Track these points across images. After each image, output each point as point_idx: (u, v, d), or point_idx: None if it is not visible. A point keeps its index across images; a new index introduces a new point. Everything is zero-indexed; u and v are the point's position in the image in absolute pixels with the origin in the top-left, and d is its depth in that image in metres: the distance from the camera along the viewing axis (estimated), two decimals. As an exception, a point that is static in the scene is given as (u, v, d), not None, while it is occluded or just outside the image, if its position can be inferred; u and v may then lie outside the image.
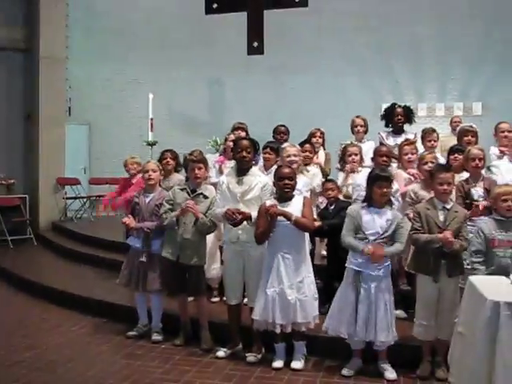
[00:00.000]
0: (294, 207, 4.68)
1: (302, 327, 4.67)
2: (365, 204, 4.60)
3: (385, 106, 10.50)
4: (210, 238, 5.52)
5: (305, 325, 4.66)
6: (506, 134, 6.08)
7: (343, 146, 6.42)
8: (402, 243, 4.50)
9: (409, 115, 6.76)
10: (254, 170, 5.04)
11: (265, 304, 4.61)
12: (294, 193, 4.80)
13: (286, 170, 4.78)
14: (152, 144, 9.35)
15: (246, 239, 4.81)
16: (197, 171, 5.15)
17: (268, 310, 4.59)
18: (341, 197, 5.68)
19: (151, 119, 9.50)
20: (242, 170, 4.93)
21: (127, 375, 4.59)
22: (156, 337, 5.37)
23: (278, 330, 4.63)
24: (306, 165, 5.92)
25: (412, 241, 4.57)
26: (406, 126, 6.83)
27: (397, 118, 6.68)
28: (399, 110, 6.72)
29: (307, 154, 6.01)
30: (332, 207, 5.53)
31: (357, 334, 4.45)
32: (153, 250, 5.33)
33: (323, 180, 5.99)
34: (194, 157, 5.20)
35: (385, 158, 5.40)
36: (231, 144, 5.69)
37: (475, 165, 5.05)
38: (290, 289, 4.57)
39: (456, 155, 5.45)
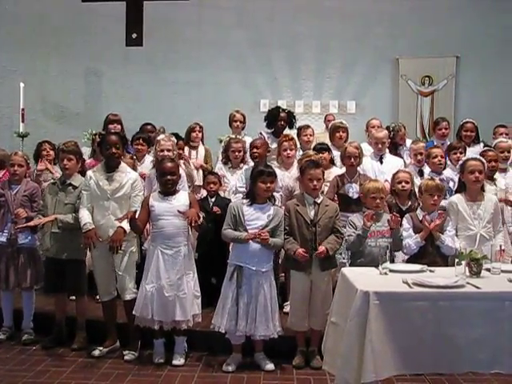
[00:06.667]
0: (180, 202, 4.64)
1: (182, 325, 4.62)
2: (247, 200, 4.61)
3: (263, 101, 10.80)
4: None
5: (184, 323, 4.61)
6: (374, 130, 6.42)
7: (228, 138, 6.45)
8: (282, 239, 4.58)
9: (291, 121, 6.90)
10: (123, 165, 4.91)
11: (144, 300, 4.54)
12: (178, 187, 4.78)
13: (169, 165, 4.69)
14: (23, 136, 8.90)
15: None
16: (65, 162, 4.97)
17: (147, 306, 4.52)
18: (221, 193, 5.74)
19: (22, 109, 9.02)
20: (111, 167, 4.81)
21: (-6, 381, 4.33)
22: (27, 338, 5.11)
23: (156, 327, 4.57)
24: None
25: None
26: (286, 130, 6.94)
27: (280, 122, 6.77)
28: (283, 114, 6.81)
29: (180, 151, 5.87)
30: (213, 199, 5.63)
31: (238, 329, 4.45)
32: (20, 244, 5.09)
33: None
34: (64, 146, 5.01)
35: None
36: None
37: (351, 163, 5.28)
38: (168, 285, 4.51)
39: (321, 154, 5.57)
